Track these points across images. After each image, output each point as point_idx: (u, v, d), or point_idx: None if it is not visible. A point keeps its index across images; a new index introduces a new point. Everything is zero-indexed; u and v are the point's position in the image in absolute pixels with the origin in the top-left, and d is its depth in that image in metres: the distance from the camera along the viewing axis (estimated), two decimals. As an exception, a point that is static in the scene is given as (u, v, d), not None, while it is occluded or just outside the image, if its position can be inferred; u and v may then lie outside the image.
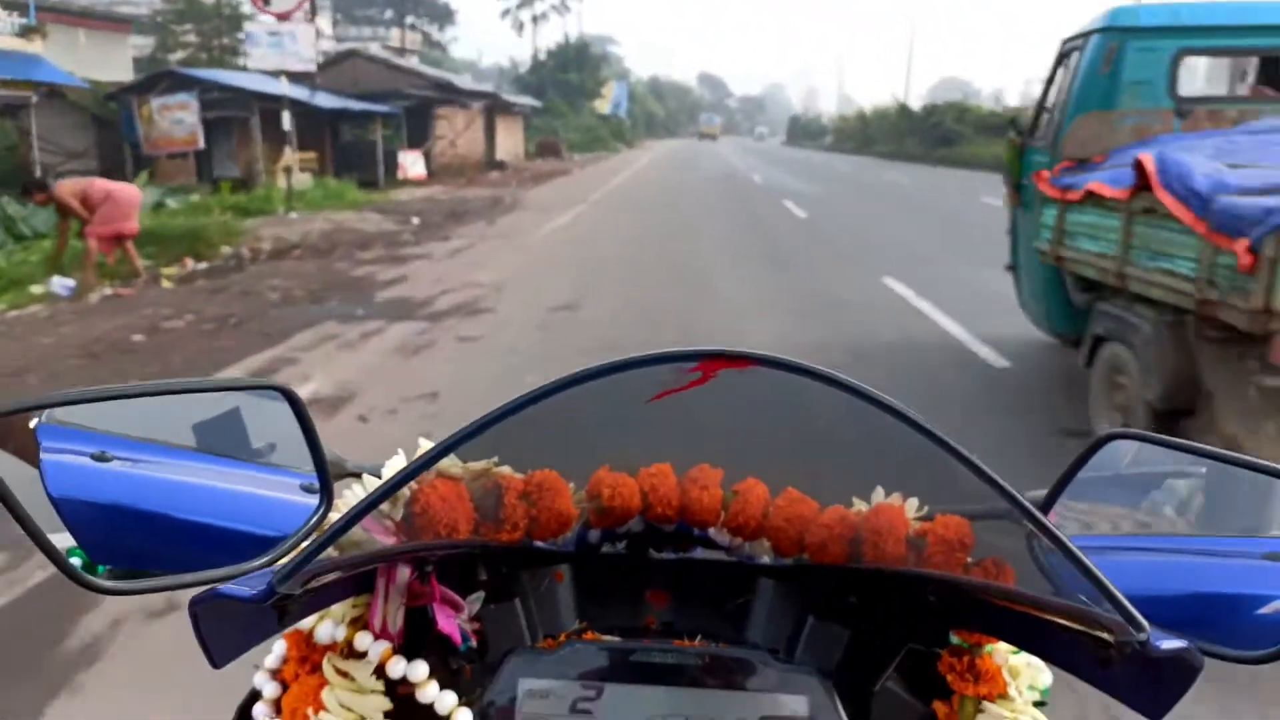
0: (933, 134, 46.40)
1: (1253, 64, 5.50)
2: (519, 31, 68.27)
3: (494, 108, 34.29)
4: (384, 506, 0.61)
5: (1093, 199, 4.04)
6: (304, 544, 0.62)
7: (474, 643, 0.69)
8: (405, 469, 0.56)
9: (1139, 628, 0.49)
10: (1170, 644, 0.49)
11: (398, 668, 0.65)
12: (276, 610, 0.52)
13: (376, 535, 0.62)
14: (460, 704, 0.65)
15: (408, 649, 0.67)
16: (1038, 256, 4.76)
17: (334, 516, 0.67)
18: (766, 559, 0.77)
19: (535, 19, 67.81)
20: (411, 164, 24.46)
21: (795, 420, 0.65)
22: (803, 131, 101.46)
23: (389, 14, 61.92)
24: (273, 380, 0.66)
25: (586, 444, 0.73)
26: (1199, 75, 5.61)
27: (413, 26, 60.04)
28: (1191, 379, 3.33)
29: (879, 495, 0.71)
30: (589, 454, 0.74)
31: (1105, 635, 0.51)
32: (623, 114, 68.32)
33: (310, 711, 0.64)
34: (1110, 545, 0.74)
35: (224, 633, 0.52)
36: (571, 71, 59.26)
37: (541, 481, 0.70)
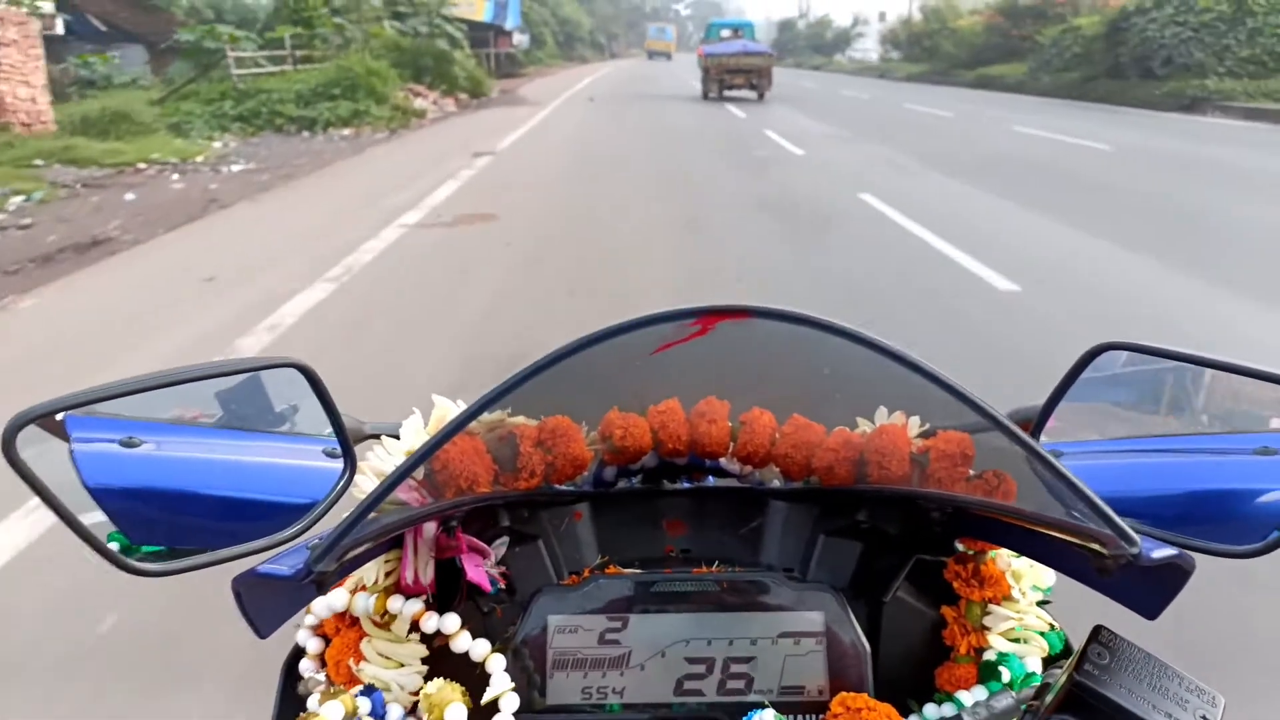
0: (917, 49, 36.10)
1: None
2: None
3: None
4: None
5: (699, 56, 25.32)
6: (330, 513, 0.64)
7: (502, 585, 0.72)
8: (426, 445, 0.58)
9: (1130, 541, 0.51)
10: (1161, 552, 0.52)
11: (431, 623, 0.68)
12: (314, 583, 0.54)
13: (401, 495, 0.65)
14: (494, 649, 0.68)
15: (440, 597, 0.71)
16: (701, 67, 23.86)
17: (359, 479, 0.70)
18: (777, 483, 0.80)
19: None
20: None
21: (796, 355, 0.66)
22: (807, 45, 70.58)
23: None
24: (288, 357, 0.67)
25: (595, 388, 0.74)
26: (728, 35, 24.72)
27: None
28: (705, 79, 23.07)
29: (882, 415, 0.73)
30: (598, 397, 0.76)
31: (1099, 548, 0.53)
32: (508, 24, 37.95)
33: (352, 663, 0.68)
34: (1107, 449, 0.76)
35: (266, 606, 0.54)
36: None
37: (555, 428, 0.72)
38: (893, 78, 38.55)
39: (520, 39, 42.42)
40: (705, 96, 23.08)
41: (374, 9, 21.68)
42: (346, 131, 15.30)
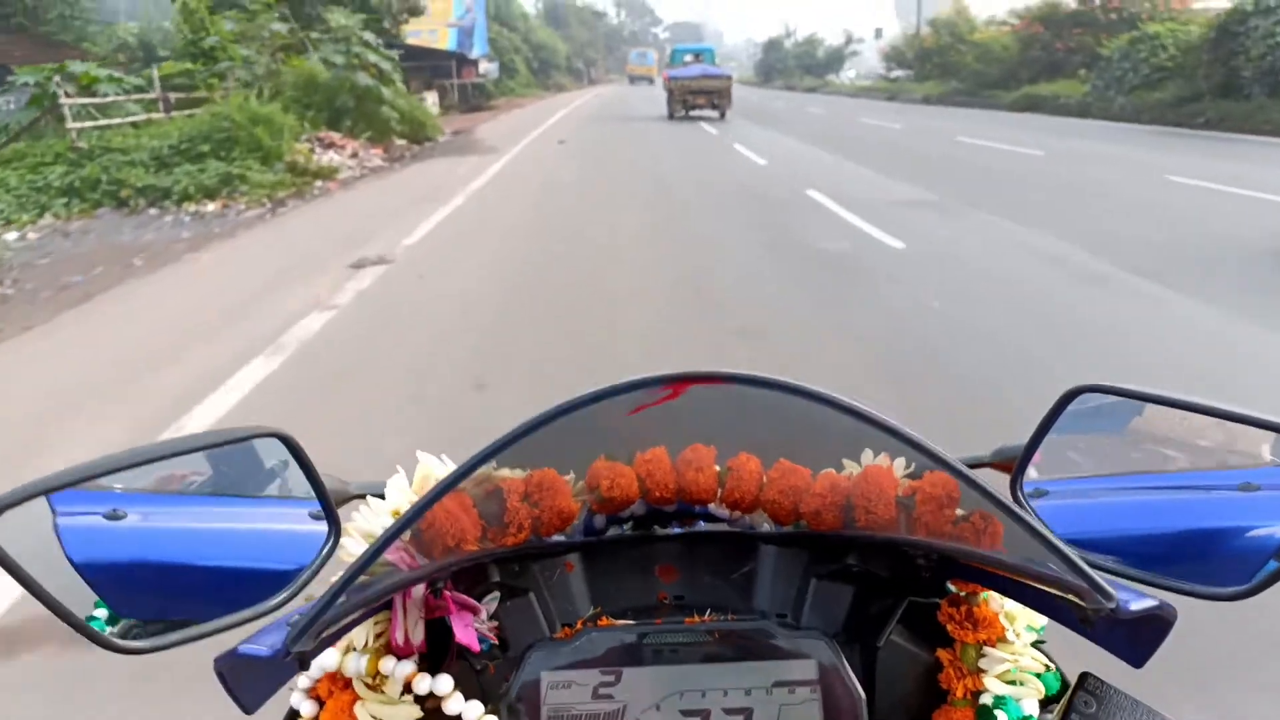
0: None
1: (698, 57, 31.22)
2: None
3: None
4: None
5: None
6: (316, 580, 0.65)
7: (494, 642, 0.72)
8: (413, 508, 0.58)
9: (1106, 596, 0.51)
10: (1141, 604, 0.51)
11: (424, 685, 0.67)
12: (297, 658, 0.55)
13: (388, 556, 0.65)
14: (487, 711, 0.68)
15: (432, 655, 0.71)
16: (666, 89, 28.00)
17: (345, 541, 0.70)
18: (767, 526, 0.80)
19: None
20: None
21: (776, 409, 0.66)
22: (797, 65, 68.40)
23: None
24: (268, 427, 0.68)
25: (581, 439, 0.74)
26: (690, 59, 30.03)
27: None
28: (670, 100, 26.21)
29: (868, 456, 0.73)
30: (584, 446, 0.76)
31: (1078, 600, 0.53)
32: (474, 52, 34.52)
33: None
34: (1092, 488, 0.76)
35: (251, 683, 0.55)
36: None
37: (541, 481, 0.72)
38: (907, 100, 34.60)
39: (488, 68, 38.64)
40: (671, 116, 26.68)
41: (280, 36, 16.64)
42: (211, 206, 10.85)
